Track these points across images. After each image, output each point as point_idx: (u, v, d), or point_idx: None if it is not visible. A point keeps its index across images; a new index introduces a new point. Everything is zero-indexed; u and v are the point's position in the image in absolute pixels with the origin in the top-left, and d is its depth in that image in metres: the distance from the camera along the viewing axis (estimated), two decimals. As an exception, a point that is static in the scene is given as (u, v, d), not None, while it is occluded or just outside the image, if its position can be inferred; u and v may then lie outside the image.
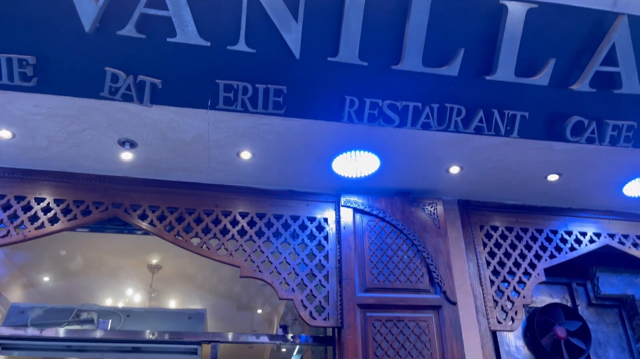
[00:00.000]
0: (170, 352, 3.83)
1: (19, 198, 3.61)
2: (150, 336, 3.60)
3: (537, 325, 4.16)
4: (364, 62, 3.02)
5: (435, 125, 3.29)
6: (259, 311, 6.63)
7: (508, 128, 3.33)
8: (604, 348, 4.27)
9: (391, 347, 3.48)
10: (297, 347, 7.81)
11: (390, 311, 3.61)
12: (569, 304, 4.41)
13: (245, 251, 3.75)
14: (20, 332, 3.46)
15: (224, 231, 3.81)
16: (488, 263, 3.98)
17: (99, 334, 3.54)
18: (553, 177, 3.87)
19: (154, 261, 6.01)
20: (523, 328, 4.26)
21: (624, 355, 4.25)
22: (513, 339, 4.22)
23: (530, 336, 4.18)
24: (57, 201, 3.65)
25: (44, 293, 6.30)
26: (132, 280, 6.23)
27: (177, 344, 3.72)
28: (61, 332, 3.53)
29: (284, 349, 8.41)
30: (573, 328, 4.19)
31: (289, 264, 3.76)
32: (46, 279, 6.22)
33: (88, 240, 5.40)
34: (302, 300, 3.65)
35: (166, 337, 3.66)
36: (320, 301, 3.66)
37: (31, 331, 3.50)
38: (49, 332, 3.51)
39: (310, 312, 3.62)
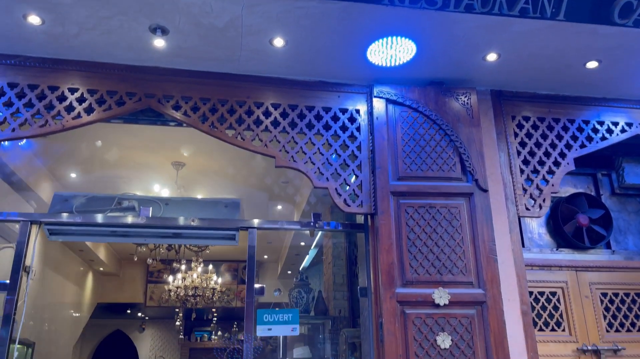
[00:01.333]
0: (209, 238, 4.01)
1: (52, 88, 3.58)
2: (191, 223, 3.75)
3: (560, 213, 4.29)
4: (409, -63, 2.84)
5: (479, 7, 3.16)
6: (284, 204, 6.83)
7: (554, 10, 3.20)
8: (624, 235, 4.43)
9: (423, 231, 3.61)
10: (315, 241, 8.14)
11: (423, 199, 3.70)
12: (593, 194, 4.52)
13: (279, 142, 3.79)
14: (67, 219, 3.59)
15: (257, 122, 3.81)
16: (519, 153, 4.02)
17: (142, 220, 3.68)
18: (592, 64, 3.78)
19: (178, 159, 6.10)
20: (546, 216, 4.40)
21: (643, 241, 4.42)
22: (536, 227, 4.37)
23: (554, 223, 4.33)
24: (91, 92, 3.63)
25: (69, 187, 6.47)
26: (158, 176, 6.36)
27: (216, 231, 3.87)
28: (106, 219, 3.67)
29: (302, 243, 8.80)
30: (595, 216, 4.32)
31: (323, 154, 3.81)
32: (72, 175, 6.36)
33: (112, 135, 5.45)
34: (336, 189, 3.74)
35: (206, 224, 3.80)
36: (354, 190, 3.75)
37: (77, 218, 3.64)
38: (94, 219, 3.65)
39: (345, 200, 3.72)
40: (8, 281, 3.36)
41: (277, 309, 3.81)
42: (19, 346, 3.52)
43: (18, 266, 3.42)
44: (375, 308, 3.54)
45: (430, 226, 3.63)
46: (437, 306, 3.43)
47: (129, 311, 12.38)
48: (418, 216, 3.65)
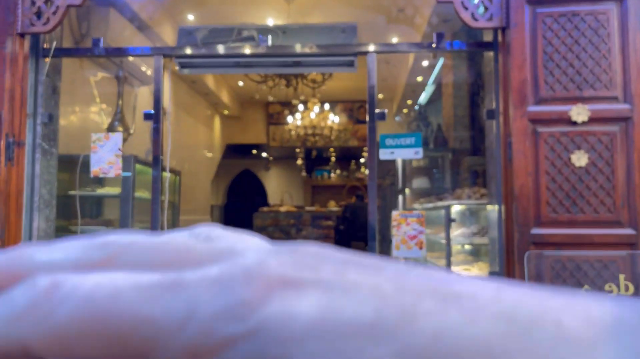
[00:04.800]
0: (327, 65, 3.98)
1: None
2: (309, 50, 3.71)
3: None
4: None
5: None
6: (403, 28, 6.48)
7: None
8: None
9: (563, 44, 3.24)
10: (433, 77, 7.85)
11: (564, 5, 3.26)
12: None
13: (397, -49, 3.44)
14: (195, 51, 3.73)
15: None
16: (694, -60, 3.28)
17: (262, 50, 3.71)
18: None
19: (289, -9, 5.91)
20: None
21: None
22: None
23: None
24: None
25: (186, 23, 6.63)
26: (271, 10, 6.27)
27: (335, 57, 3.81)
28: (228, 49, 3.74)
29: (419, 78, 8.53)
30: None
31: (447, -38, 3.42)
32: (189, 11, 6.47)
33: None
34: (462, 1, 3.40)
35: (323, 50, 3.74)
36: (482, 1, 3.39)
37: (202, 50, 3.76)
38: (217, 50, 3.75)
39: (472, 13, 3.39)
40: (153, 111, 3.68)
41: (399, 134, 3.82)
42: (170, 174, 3.98)
43: (158, 96, 3.70)
44: (504, 129, 3.39)
45: (571, 37, 3.23)
46: (574, 123, 3.19)
47: (254, 152, 13.38)
48: (557, 26, 3.25)
